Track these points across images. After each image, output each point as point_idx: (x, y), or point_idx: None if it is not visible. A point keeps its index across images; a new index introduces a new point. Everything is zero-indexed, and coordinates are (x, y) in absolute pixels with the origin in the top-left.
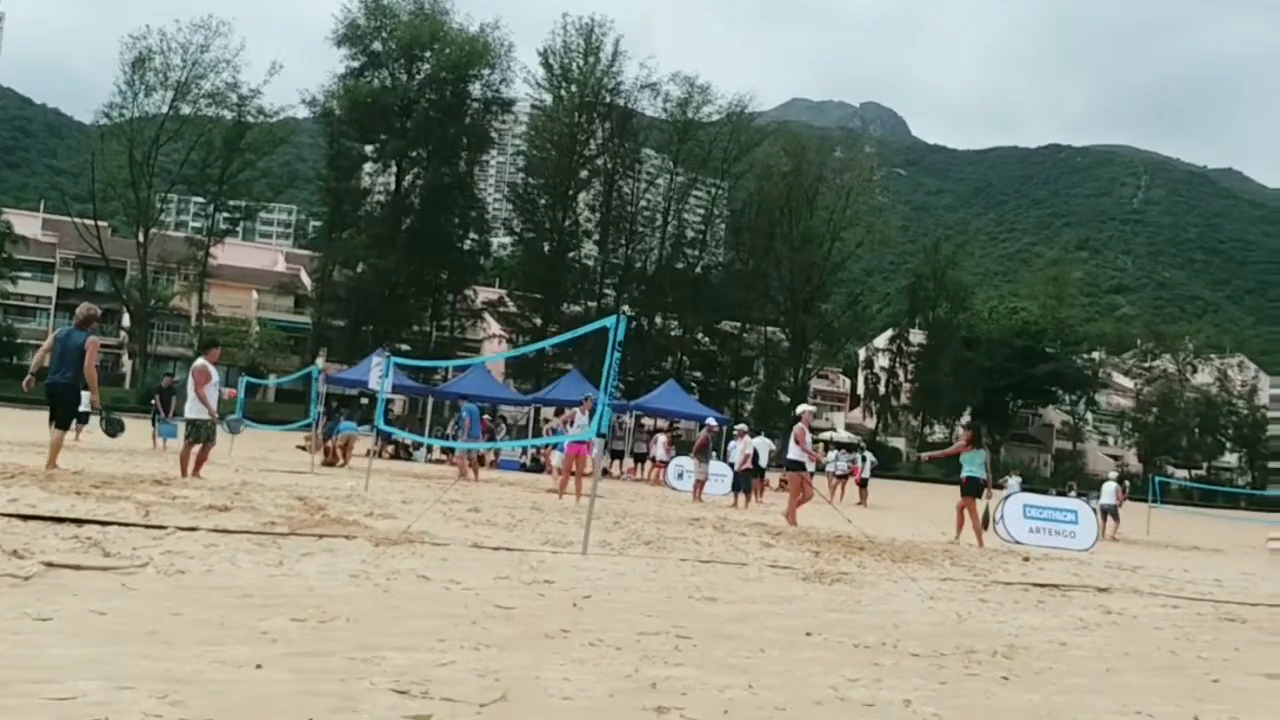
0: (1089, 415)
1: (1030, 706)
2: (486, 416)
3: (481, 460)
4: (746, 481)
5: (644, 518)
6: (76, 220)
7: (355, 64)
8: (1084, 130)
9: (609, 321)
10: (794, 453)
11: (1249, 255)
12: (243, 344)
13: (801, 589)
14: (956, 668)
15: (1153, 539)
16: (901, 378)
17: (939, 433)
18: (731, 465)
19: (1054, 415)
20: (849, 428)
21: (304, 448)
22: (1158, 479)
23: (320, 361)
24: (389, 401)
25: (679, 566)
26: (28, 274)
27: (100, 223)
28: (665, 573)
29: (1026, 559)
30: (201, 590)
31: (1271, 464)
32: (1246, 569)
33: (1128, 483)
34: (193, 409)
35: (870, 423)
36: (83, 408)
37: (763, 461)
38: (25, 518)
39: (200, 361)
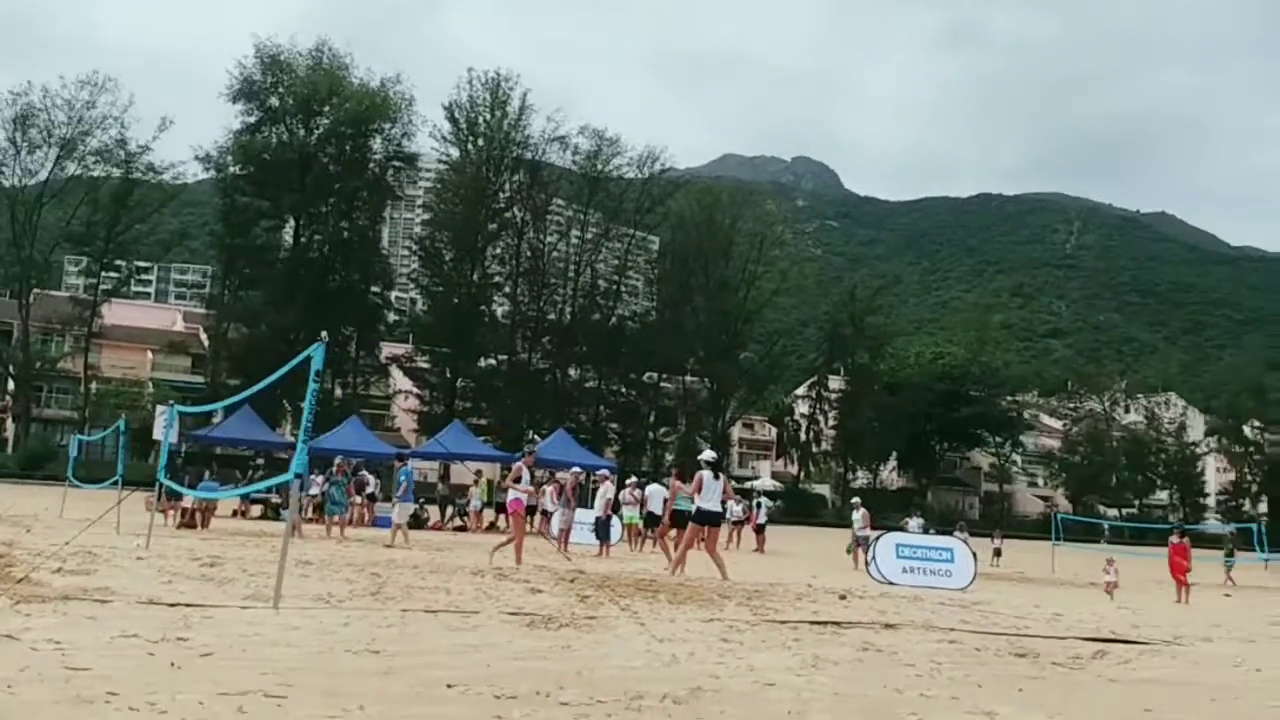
0: (1016, 457)
1: None
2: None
3: (362, 519)
4: (606, 529)
5: (426, 569)
6: None
7: (251, 119)
8: (1015, 180)
9: (313, 350)
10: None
11: (1185, 297)
12: (134, 405)
13: (511, 635)
14: (599, 718)
15: (1057, 577)
16: (822, 425)
17: (863, 478)
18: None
19: (981, 458)
20: (774, 476)
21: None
22: (1060, 516)
23: (158, 413)
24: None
25: (388, 618)
26: None
27: None
28: (357, 626)
29: (843, 596)
30: None
31: (1203, 499)
32: (1121, 603)
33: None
34: None
35: (794, 470)
36: None
37: (656, 508)
38: None
39: None
